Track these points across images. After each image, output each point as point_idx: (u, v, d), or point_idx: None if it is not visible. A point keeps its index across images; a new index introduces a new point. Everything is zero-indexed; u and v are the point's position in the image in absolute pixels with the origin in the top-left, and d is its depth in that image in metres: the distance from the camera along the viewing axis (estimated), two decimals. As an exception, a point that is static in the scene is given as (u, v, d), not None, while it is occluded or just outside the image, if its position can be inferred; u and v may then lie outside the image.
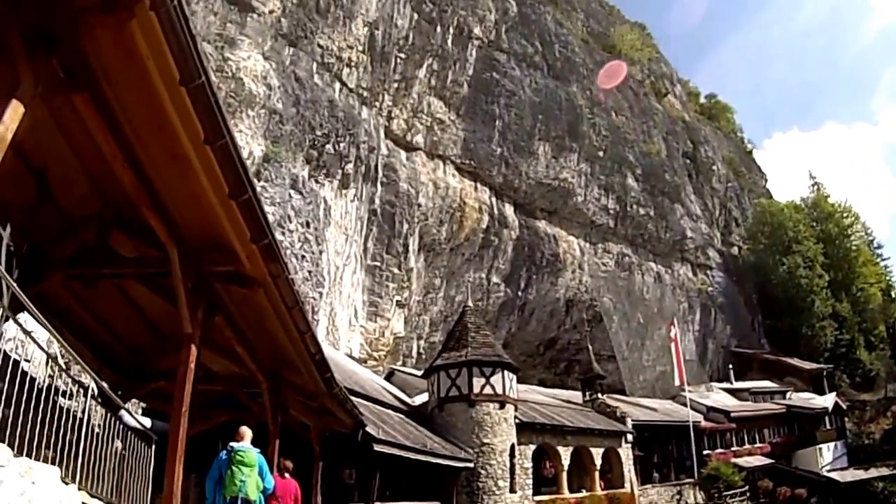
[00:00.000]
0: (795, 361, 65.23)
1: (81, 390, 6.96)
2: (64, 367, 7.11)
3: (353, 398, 17.79)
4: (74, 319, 10.99)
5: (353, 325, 34.71)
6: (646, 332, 56.15)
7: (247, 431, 10.99)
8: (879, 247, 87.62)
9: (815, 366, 64.66)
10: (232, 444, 10.65)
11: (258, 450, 10.87)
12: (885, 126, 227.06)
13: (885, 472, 47.44)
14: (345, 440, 19.13)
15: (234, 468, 10.47)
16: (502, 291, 45.02)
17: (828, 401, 54.98)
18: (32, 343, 6.08)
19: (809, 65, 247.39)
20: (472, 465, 26.28)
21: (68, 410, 6.25)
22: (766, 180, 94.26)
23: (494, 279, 44.48)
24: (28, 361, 5.90)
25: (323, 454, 18.69)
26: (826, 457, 51.10)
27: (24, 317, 6.00)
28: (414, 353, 39.02)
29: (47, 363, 6.45)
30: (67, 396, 6.73)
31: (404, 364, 37.41)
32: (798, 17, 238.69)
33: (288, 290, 9.67)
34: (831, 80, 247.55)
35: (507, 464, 27.29)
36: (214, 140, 6.49)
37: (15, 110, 5.09)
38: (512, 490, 27.44)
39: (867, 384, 69.18)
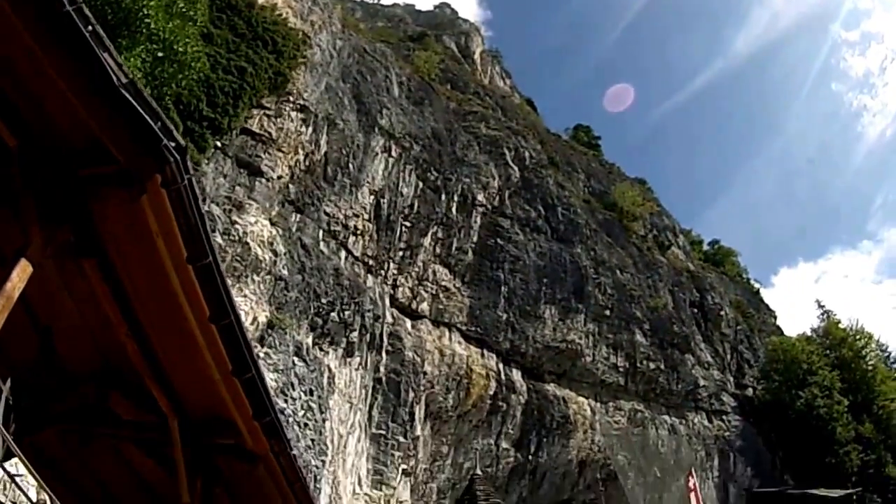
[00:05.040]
0: (822, 492, 62.56)
1: None
2: None
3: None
4: (68, 473, 10.86)
5: (358, 493, 33.85)
6: (663, 486, 54.54)
7: None
8: (895, 361, 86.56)
9: (842, 492, 61.95)
10: None
11: None
12: (887, 241, 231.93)
13: None
14: None
15: None
16: (512, 456, 44.10)
17: None
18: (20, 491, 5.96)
19: (807, 195, 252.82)
20: None
21: None
22: (775, 318, 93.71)
23: (504, 444, 43.66)
24: None
25: None
26: None
27: (14, 460, 5.92)
28: (422, 524, 37.93)
29: None
30: None
31: (410, 537, 36.29)
32: (790, 154, 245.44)
33: (290, 466, 9.67)
34: (830, 206, 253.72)
35: None
36: (220, 319, 6.64)
37: (23, 269, 5.22)
38: None
39: None
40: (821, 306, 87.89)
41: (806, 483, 65.72)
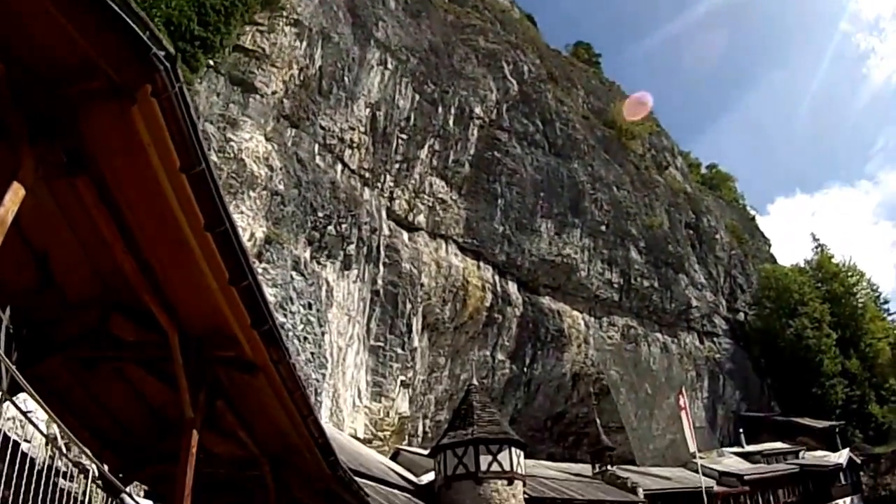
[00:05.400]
0: (807, 421, 64.36)
1: (80, 471, 6.87)
2: (63, 448, 7.06)
3: (358, 479, 17.54)
4: (74, 401, 10.87)
5: (357, 405, 34.47)
6: (654, 402, 55.54)
7: None
8: (885, 302, 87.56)
9: (826, 423, 63.85)
10: None
11: None
12: (886, 184, 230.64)
13: None
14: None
15: None
16: (507, 368, 44.77)
17: (842, 457, 54.57)
18: (31, 425, 6.01)
19: (808, 131, 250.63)
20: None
21: (68, 493, 6.17)
22: (769, 245, 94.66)
23: (499, 356, 44.26)
24: (28, 442, 5.85)
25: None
26: None
27: (22, 396, 5.97)
28: (419, 432, 38.64)
29: (46, 444, 6.39)
30: (68, 478, 6.66)
31: (410, 444, 36.99)
32: (793, 88, 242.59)
33: (290, 375, 9.67)
34: (831, 143, 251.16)
35: (518, 541, 26.72)
36: (215, 227, 6.55)
37: (16, 193, 5.16)
38: (523, 568, 26.94)
39: (880, 438, 68.50)
40: (815, 239, 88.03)
41: (792, 411, 67.22)
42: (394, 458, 34.16)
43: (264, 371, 9.33)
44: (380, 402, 35.82)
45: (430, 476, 29.61)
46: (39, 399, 5.67)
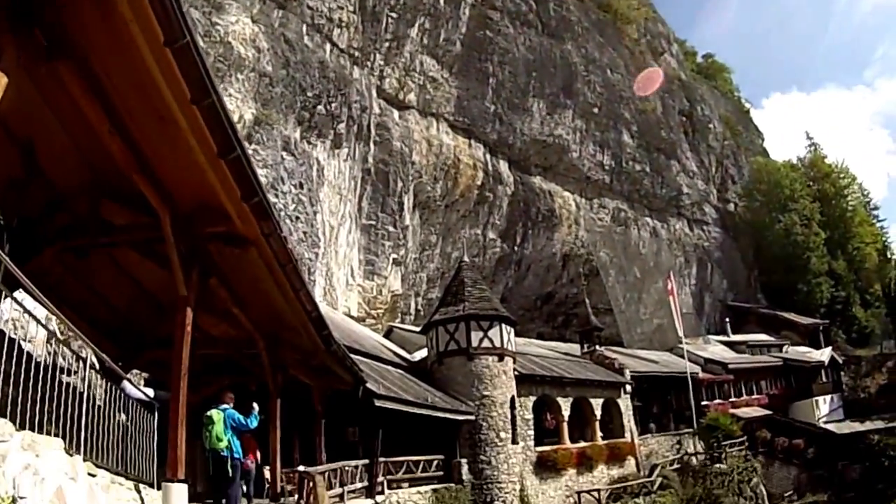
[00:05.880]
0: (792, 316, 65.70)
1: (81, 362, 6.98)
2: (63, 340, 7.17)
3: (352, 356, 17.94)
4: (70, 294, 11.02)
5: (350, 284, 34.90)
6: (642, 286, 56.40)
7: (228, 395, 12.46)
8: (876, 208, 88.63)
9: (811, 321, 65.34)
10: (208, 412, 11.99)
11: (224, 407, 12.09)
12: (883, 92, 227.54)
13: (880, 425, 48.33)
14: (347, 399, 19.34)
15: (204, 430, 11.97)
16: (498, 247, 45.20)
17: (824, 355, 55.84)
18: (31, 320, 6.08)
19: (809, 29, 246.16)
20: (473, 417, 26.67)
21: (71, 386, 6.32)
22: (762, 139, 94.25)
23: (490, 235, 44.62)
24: (28, 342, 5.95)
25: (326, 414, 18.96)
26: (822, 409, 52.26)
27: (19, 295, 6.04)
28: (412, 310, 39.29)
29: (47, 342, 6.50)
30: (69, 373, 6.78)
31: (403, 321, 37.67)
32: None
33: (281, 248, 9.71)
34: (830, 45, 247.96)
35: (508, 415, 27.65)
36: (201, 99, 6.49)
37: (-2, 83, 5.11)
38: (514, 441, 27.85)
39: (862, 341, 70.36)
40: (809, 137, 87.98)
41: (777, 306, 68.31)
42: (387, 335, 34.83)
43: (255, 244, 9.39)
44: (372, 280, 36.25)
45: (423, 353, 30.30)
46: (36, 290, 5.74)
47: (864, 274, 76.21)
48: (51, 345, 6.50)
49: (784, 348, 58.58)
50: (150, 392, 9.44)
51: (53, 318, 6.97)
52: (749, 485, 39.63)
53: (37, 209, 9.23)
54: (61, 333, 7.76)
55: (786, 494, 44.33)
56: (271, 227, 9.05)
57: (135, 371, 16.20)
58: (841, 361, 57.43)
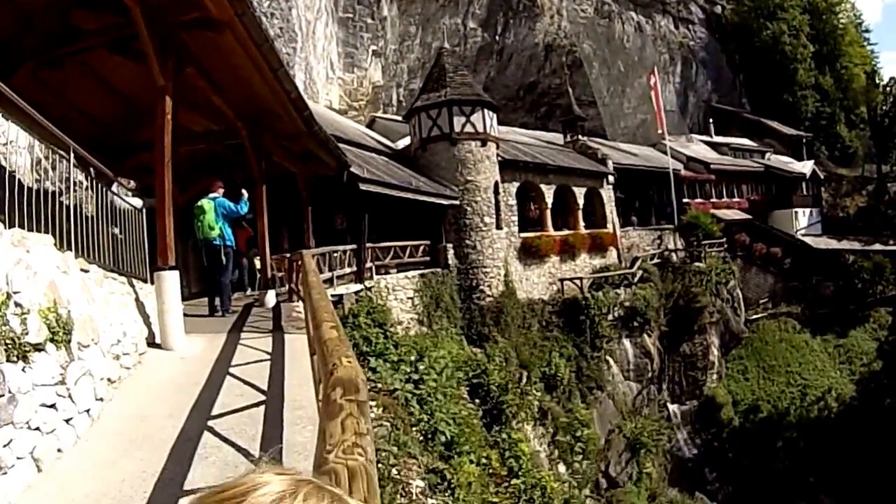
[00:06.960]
0: (776, 125, 65.34)
1: (64, 161, 7.22)
2: (51, 169, 7.41)
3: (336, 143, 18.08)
4: (49, 111, 11.00)
5: (331, 77, 34.68)
6: (626, 80, 55.78)
7: (217, 184, 12.99)
8: (867, 31, 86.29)
9: (795, 131, 65.07)
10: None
11: (214, 195, 12.64)
12: None
13: (856, 245, 49.68)
14: (333, 186, 19.67)
15: (195, 220, 12.54)
16: (479, 36, 44.43)
17: (806, 167, 56.30)
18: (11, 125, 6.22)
19: None
20: (457, 202, 27.29)
21: (57, 188, 6.60)
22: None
23: (471, 24, 43.75)
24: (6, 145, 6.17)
25: (312, 201, 19.47)
26: (801, 221, 53.19)
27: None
28: (394, 101, 39.17)
29: (31, 169, 6.64)
30: (58, 188, 6.98)
31: (385, 113, 37.64)
32: None
33: (255, 28, 9.70)
34: None
35: (492, 200, 28.26)
36: None
37: None
38: (498, 226, 28.66)
39: (845, 160, 70.33)
40: None
41: (762, 113, 67.30)
42: (370, 125, 34.91)
43: (230, 26, 9.37)
44: (352, 72, 35.99)
45: (406, 141, 30.52)
46: (18, 99, 5.93)
47: (850, 94, 74.84)
48: (37, 172, 6.70)
49: (766, 155, 58.81)
50: (138, 203, 9.74)
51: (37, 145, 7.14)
52: (726, 287, 41.43)
53: (4, 33, 9.26)
54: (46, 159, 7.97)
55: (761, 301, 46.31)
56: (244, 7, 9.06)
57: (121, 179, 16.57)
58: (822, 177, 58.10)
